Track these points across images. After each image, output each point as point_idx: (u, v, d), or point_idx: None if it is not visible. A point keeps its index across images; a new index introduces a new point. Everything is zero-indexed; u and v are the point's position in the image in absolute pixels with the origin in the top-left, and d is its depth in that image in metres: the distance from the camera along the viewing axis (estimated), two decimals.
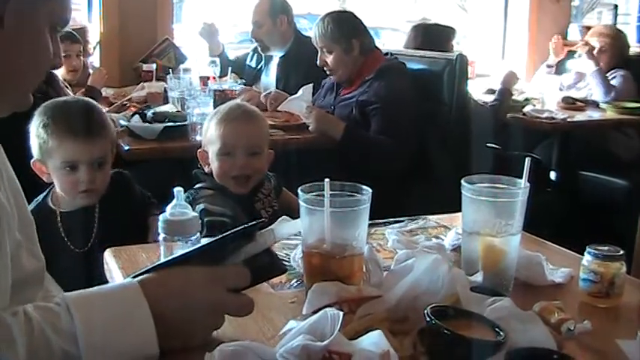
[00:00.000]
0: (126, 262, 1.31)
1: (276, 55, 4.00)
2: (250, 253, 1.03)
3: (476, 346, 0.89)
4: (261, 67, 4.17)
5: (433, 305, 0.95)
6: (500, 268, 1.16)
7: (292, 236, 1.24)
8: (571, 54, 4.78)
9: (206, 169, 1.99)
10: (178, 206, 1.24)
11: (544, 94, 4.00)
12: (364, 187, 1.13)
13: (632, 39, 4.65)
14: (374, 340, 0.87)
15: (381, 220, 1.56)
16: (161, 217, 1.24)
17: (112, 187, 2.02)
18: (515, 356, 0.88)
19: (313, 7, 9.17)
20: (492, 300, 1.01)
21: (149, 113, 2.93)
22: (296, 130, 3.01)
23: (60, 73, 3.57)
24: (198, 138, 2.51)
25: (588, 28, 5.10)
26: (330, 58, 3.13)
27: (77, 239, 1.96)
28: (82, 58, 3.85)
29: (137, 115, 2.93)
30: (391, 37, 9.61)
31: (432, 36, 3.89)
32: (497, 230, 1.15)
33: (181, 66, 4.14)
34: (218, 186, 1.93)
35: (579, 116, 3.77)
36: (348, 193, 1.13)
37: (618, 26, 5.02)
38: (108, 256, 1.36)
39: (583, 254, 1.20)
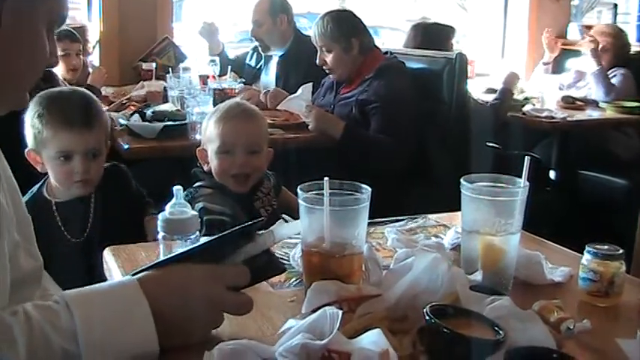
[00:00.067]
0: (125, 261, 1.31)
1: (276, 54, 4.00)
2: (250, 254, 1.03)
3: (475, 344, 0.89)
4: (261, 66, 4.17)
5: (432, 304, 0.95)
6: (499, 267, 1.16)
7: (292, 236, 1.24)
8: (569, 52, 4.78)
9: (205, 168, 1.99)
10: (178, 205, 1.24)
11: (544, 94, 4.00)
12: (364, 185, 1.13)
13: (632, 38, 4.65)
14: (373, 338, 0.87)
15: (380, 219, 1.56)
16: (160, 215, 1.24)
17: (108, 178, 2.04)
18: (514, 355, 0.88)
19: (313, 6, 9.16)
20: (492, 299, 1.01)
21: (149, 112, 2.93)
22: (295, 129, 3.01)
23: (59, 72, 3.57)
24: (197, 137, 2.51)
25: (588, 27, 5.11)
26: (329, 57, 3.13)
27: (73, 229, 1.98)
28: (81, 57, 3.84)
29: (137, 114, 2.93)
30: (391, 36, 9.60)
31: (431, 35, 3.89)
32: (496, 229, 1.15)
33: (181, 65, 4.13)
34: (217, 185, 1.93)
35: (579, 115, 3.77)
36: (348, 192, 1.13)
37: (618, 25, 5.02)
38: (107, 254, 1.36)
39: (582, 253, 1.20)
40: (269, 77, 4.04)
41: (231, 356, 0.87)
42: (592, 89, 4.12)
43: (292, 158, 2.61)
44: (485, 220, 1.15)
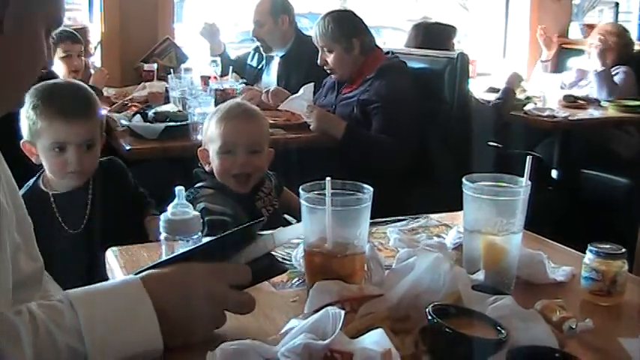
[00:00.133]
0: (127, 262, 1.31)
1: (277, 54, 4.00)
2: (250, 257, 1.04)
3: (477, 344, 0.89)
4: (262, 66, 4.17)
5: (435, 304, 0.95)
6: (501, 266, 1.16)
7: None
8: (571, 51, 4.78)
9: (207, 168, 1.99)
10: (180, 205, 1.25)
11: (545, 93, 4.00)
12: (365, 185, 1.13)
13: (633, 36, 4.64)
14: (375, 338, 0.87)
15: (382, 219, 1.56)
16: (162, 216, 1.24)
17: (105, 171, 2.06)
18: (516, 355, 0.88)
19: (314, 6, 9.16)
20: (494, 298, 1.01)
21: (150, 113, 2.93)
22: (297, 129, 3.01)
23: (61, 73, 3.58)
24: (199, 137, 2.51)
25: (589, 26, 5.11)
26: (330, 58, 3.13)
27: (71, 220, 1.99)
28: (83, 58, 3.84)
29: (138, 115, 2.93)
30: (392, 36, 9.61)
31: (433, 35, 3.89)
32: (498, 229, 1.15)
33: (182, 65, 4.14)
34: (218, 185, 1.94)
35: (580, 114, 3.77)
36: (350, 192, 1.12)
37: (621, 24, 5.01)
38: (109, 255, 1.37)
39: (584, 252, 1.20)
40: (270, 77, 4.04)
41: (233, 356, 0.87)
42: (594, 88, 4.11)
43: (294, 158, 2.61)
44: (487, 220, 1.15)
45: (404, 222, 1.59)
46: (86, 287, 0.94)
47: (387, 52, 3.21)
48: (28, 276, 1.06)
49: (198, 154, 2.01)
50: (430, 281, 1.04)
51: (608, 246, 1.18)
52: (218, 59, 3.95)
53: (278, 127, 2.94)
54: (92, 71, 3.99)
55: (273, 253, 1.11)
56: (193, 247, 1.14)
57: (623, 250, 1.18)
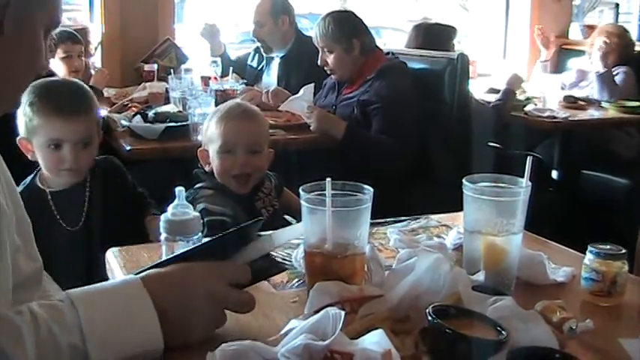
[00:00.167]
0: (128, 262, 1.32)
1: (278, 55, 4.00)
2: (249, 258, 1.04)
3: (478, 345, 0.88)
4: (263, 67, 4.17)
5: (435, 304, 0.95)
6: (501, 267, 1.16)
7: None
8: (571, 52, 4.78)
9: (206, 169, 1.99)
10: (180, 206, 1.25)
11: (545, 93, 4.00)
12: (366, 186, 1.13)
13: (633, 37, 4.65)
14: (376, 339, 0.87)
15: (382, 220, 1.56)
16: (163, 216, 1.24)
17: (102, 169, 2.06)
18: (517, 355, 0.88)
19: (314, 6, 9.18)
20: (494, 299, 1.01)
21: (150, 113, 2.93)
22: (297, 129, 3.01)
23: (62, 73, 3.58)
24: (199, 138, 2.51)
25: (590, 27, 5.11)
26: (330, 58, 3.13)
27: (69, 218, 2.00)
28: (83, 58, 3.85)
29: (139, 116, 2.93)
30: (392, 37, 9.61)
31: (433, 35, 3.89)
32: (498, 229, 1.15)
33: (183, 66, 4.14)
34: (218, 185, 1.94)
35: (581, 115, 3.77)
36: (350, 193, 1.12)
37: (622, 25, 5.01)
38: (110, 255, 1.37)
39: (585, 253, 1.20)
40: (271, 78, 4.04)
41: (233, 357, 0.87)
42: (595, 89, 4.11)
43: (294, 159, 2.61)
44: (488, 221, 1.15)
45: (404, 223, 1.59)
46: (86, 287, 0.95)
47: (387, 53, 3.21)
48: (27, 276, 1.06)
49: (197, 155, 2.02)
50: (430, 282, 1.04)
51: (608, 247, 1.18)
52: (218, 60, 3.95)
53: (278, 128, 2.94)
54: (92, 72, 3.99)
55: (273, 253, 1.11)
56: (193, 246, 1.14)
57: (624, 250, 1.18)
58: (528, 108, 3.70)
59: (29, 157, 1.97)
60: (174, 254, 1.08)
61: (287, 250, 1.34)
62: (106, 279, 1.29)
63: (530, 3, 5.17)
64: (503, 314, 0.96)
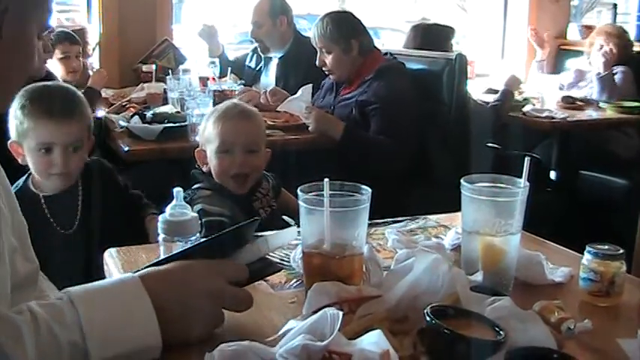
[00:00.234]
0: (126, 263, 1.31)
1: (276, 55, 4.00)
2: (245, 260, 1.04)
3: (476, 345, 0.88)
4: (261, 67, 4.18)
5: (433, 305, 0.95)
6: (500, 267, 1.16)
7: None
8: (569, 52, 4.78)
9: (204, 169, 1.99)
10: (178, 207, 1.25)
11: (543, 94, 4.00)
12: (364, 186, 1.13)
13: (631, 38, 4.65)
14: (374, 339, 0.87)
15: (380, 220, 1.56)
16: (161, 217, 1.24)
17: (92, 171, 2.06)
18: (515, 355, 0.88)
19: (313, 7, 9.18)
20: (492, 299, 1.01)
21: (149, 114, 2.93)
22: (295, 130, 3.01)
23: (59, 74, 3.58)
24: (197, 139, 2.51)
25: (588, 27, 5.11)
26: (329, 59, 3.13)
27: (63, 221, 2.00)
28: (81, 59, 3.84)
29: (137, 116, 2.93)
30: (391, 37, 9.62)
31: (431, 36, 3.89)
32: (497, 230, 1.15)
33: (181, 67, 4.14)
34: (216, 186, 1.94)
35: (579, 115, 3.77)
36: (348, 193, 1.12)
37: (621, 26, 5.02)
38: (108, 256, 1.36)
39: (583, 253, 1.20)
40: (269, 79, 4.04)
41: (231, 357, 0.87)
42: (593, 89, 4.12)
43: (292, 160, 2.61)
44: (486, 221, 1.15)
45: (402, 223, 1.59)
46: (85, 285, 0.95)
47: (386, 53, 3.21)
48: (24, 278, 1.07)
49: (195, 156, 2.01)
50: (429, 282, 1.04)
51: (606, 247, 1.18)
52: (216, 60, 3.95)
53: (277, 129, 2.94)
54: (90, 72, 3.98)
55: (270, 254, 1.11)
56: (191, 246, 1.14)
57: (622, 250, 1.18)
58: (527, 108, 3.70)
59: (20, 160, 1.97)
60: (173, 253, 1.09)
61: (285, 251, 1.34)
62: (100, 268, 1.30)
63: (528, 3, 5.17)
64: (501, 314, 0.96)
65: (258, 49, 4.08)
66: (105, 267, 1.36)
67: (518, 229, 1.16)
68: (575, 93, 4.15)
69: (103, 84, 3.80)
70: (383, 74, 3.02)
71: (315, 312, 0.95)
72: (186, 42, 5.14)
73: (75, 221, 2.00)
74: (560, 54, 5.03)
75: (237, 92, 3.36)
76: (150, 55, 4.25)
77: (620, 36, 4.20)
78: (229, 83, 3.62)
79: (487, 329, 0.93)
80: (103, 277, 1.33)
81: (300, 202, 1.11)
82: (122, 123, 2.92)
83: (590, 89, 4.16)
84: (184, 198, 1.29)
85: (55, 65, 3.62)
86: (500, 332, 0.91)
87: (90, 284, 0.95)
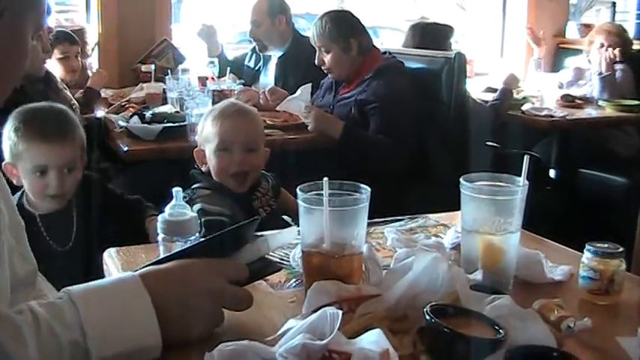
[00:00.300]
0: (126, 263, 1.31)
1: (275, 55, 4.00)
2: (245, 260, 1.04)
3: (475, 344, 0.89)
4: (260, 67, 4.17)
5: (433, 304, 0.95)
6: (499, 266, 1.16)
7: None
8: (568, 51, 4.78)
9: (203, 169, 1.99)
10: (177, 206, 1.25)
11: (543, 92, 4.00)
12: (363, 186, 1.13)
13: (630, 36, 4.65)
14: (374, 338, 0.87)
15: (380, 219, 1.56)
16: (160, 217, 1.24)
17: (84, 188, 2.07)
18: (514, 354, 0.88)
19: (312, 6, 9.17)
20: (492, 298, 1.01)
21: (148, 114, 2.93)
22: (295, 129, 3.01)
23: (58, 74, 3.57)
24: (196, 138, 2.51)
25: (587, 25, 5.11)
26: (328, 58, 3.13)
27: (59, 239, 2.01)
28: (80, 59, 3.84)
29: (136, 116, 2.93)
30: (390, 37, 9.62)
31: (430, 35, 3.89)
32: (496, 228, 1.15)
33: (180, 67, 4.14)
34: (215, 185, 1.94)
35: (578, 114, 3.77)
36: (347, 192, 1.12)
37: (621, 24, 5.02)
38: (107, 256, 1.36)
39: (582, 252, 1.20)
40: (268, 78, 4.04)
41: (231, 357, 0.87)
42: (593, 87, 4.11)
43: (291, 159, 2.61)
44: (485, 220, 1.15)
45: (402, 222, 1.59)
46: (85, 284, 0.95)
47: (385, 53, 3.21)
48: (22, 278, 1.07)
49: (194, 155, 2.01)
50: (428, 281, 1.04)
51: (605, 245, 1.19)
52: (215, 60, 3.94)
53: (276, 128, 2.94)
54: (90, 72, 3.98)
55: (270, 254, 1.11)
56: (190, 245, 1.14)
57: (621, 249, 1.18)
58: (526, 107, 3.70)
59: (14, 181, 1.97)
60: (172, 252, 1.09)
61: (285, 250, 1.34)
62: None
63: (527, 2, 5.17)
64: (501, 313, 0.96)
65: (257, 48, 4.08)
66: (105, 267, 1.36)
67: (517, 227, 1.16)
68: (575, 91, 4.15)
69: (102, 84, 3.80)
70: (382, 73, 3.01)
71: (315, 311, 0.95)
72: (185, 42, 5.13)
73: (71, 238, 2.02)
74: (559, 52, 5.03)
75: (236, 92, 3.36)
76: (149, 55, 4.25)
77: (619, 34, 4.20)
78: (228, 83, 3.62)
79: (487, 328, 0.93)
80: (103, 277, 1.33)
81: (300, 202, 1.11)
82: (121, 123, 2.92)
83: (590, 87, 4.16)
84: (184, 198, 1.29)
85: (54, 65, 3.61)
86: (500, 331, 0.91)
87: (90, 283, 0.95)
